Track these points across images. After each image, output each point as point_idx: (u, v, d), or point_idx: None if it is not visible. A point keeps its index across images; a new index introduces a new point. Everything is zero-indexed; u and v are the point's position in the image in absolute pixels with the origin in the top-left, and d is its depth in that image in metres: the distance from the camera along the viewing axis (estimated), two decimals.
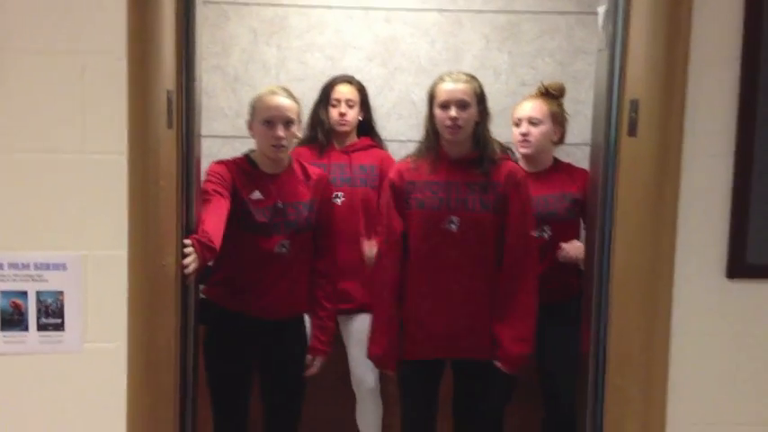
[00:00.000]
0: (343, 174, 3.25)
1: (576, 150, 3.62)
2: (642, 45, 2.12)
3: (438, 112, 2.77)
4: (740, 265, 2.01)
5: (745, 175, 1.99)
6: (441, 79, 2.81)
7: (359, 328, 3.26)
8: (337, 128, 3.37)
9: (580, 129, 3.60)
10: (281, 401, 2.97)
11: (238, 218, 2.76)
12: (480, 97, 2.79)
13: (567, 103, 3.65)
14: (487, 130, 2.83)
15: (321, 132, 3.35)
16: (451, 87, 2.76)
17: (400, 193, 2.83)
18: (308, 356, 2.95)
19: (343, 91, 3.39)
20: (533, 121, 3.16)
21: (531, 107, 3.18)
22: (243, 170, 2.84)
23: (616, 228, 2.22)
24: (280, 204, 2.83)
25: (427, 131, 2.85)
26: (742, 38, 1.98)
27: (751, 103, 1.97)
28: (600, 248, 2.29)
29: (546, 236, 3.11)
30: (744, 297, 2.04)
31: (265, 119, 2.79)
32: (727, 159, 2.00)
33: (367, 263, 3.15)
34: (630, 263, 2.15)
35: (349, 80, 3.45)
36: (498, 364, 2.81)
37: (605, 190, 2.26)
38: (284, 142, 2.79)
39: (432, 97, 2.82)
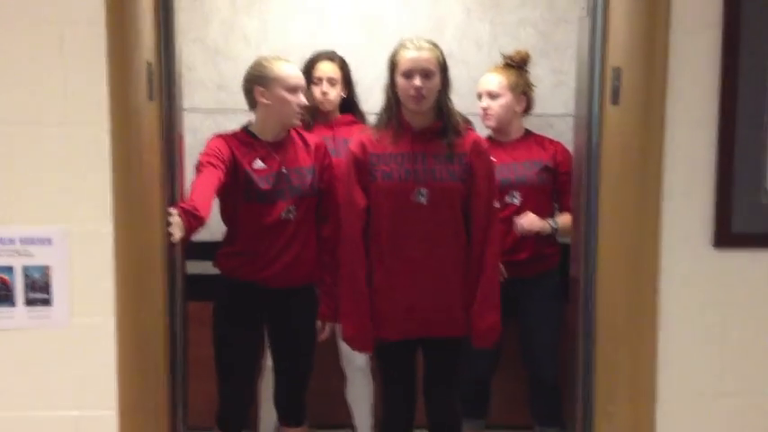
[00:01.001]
0: (328, 146, 3.25)
1: (560, 122, 3.63)
2: (623, 12, 2.13)
3: (401, 80, 2.68)
4: (726, 235, 2.03)
5: (729, 142, 2.00)
6: (402, 46, 2.70)
7: None
8: (320, 107, 3.34)
9: (563, 99, 3.60)
10: (293, 369, 3.02)
11: (243, 189, 2.80)
12: (443, 66, 2.71)
13: (551, 73, 3.65)
14: (449, 100, 2.76)
15: (304, 111, 3.32)
16: (415, 56, 2.66)
17: (363, 166, 2.73)
18: (318, 322, 2.99)
19: (325, 69, 3.35)
20: (492, 94, 3.17)
21: (489, 81, 3.19)
22: (243, 141, 2.86)
23: (601, 197, 2.23)
24: (284, 170, 2.86)
25: (389, 101, 2.75)
26: (722, 3, 1.99)
27: (732, 68, 1.99)
28: (586, 218, 2.30)
29: (516, 201, 3.12)
30: (730, 266, 2.07)
31: (291, 88, 2.85)
32: (710, 125, 2.02)
33: None
34: (616, 232, 2.16)
35: (330, 57, 3.40)
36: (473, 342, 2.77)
37: (590, 159, 2.26)
38: (302, 111, 2.90)
39: (393, 65, 2.71)
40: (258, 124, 2.91)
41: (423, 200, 2.69)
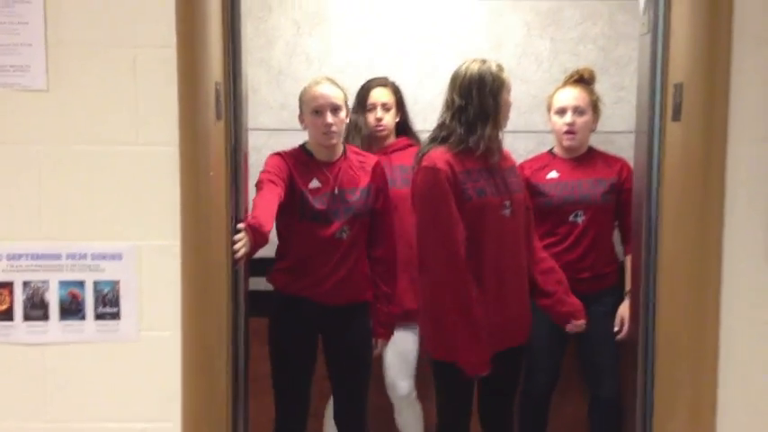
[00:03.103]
0: None
1: (621, 138, 3.59)
2: (684, 28, 2.12)
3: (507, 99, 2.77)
4: None
5: None
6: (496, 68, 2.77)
7: (400, 335, 3.23)
8: (375, 133, 3.37)
9: (624, 116, 3.57)
10: (350, 385, 3.06)
11: (298, 208, 2.86)
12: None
13: (611, 90, 3.63)
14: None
15: (359, 138, 3.35)
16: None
17: (455, 185, 2.64)
18: (373, 340, 3.04)
19: (378, 95, 3.38)
20: (579, 110, 3.15)
21: (576, 96, 3.17)
22: (299, 160, 2.92)
23: (662, 213, 2.22)
24: (336, 191, 2.89)
25: (471, 117, 2.71)
26: None
27: None
28: (647, 234, 2.29)
29: (580, 221, 3.10)
30: None
31: (313, 109, 2.88)
32: None
33: None
34: (677, 248, 2.14)
35: (383, 83, 3.42)
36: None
37: (651, 175, 2.26)
38: (334, 128, 2.88)
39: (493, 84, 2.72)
40: (311, 143, 2.98)
41: (507, 212, 2.72)
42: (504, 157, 2.81)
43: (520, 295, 2.78)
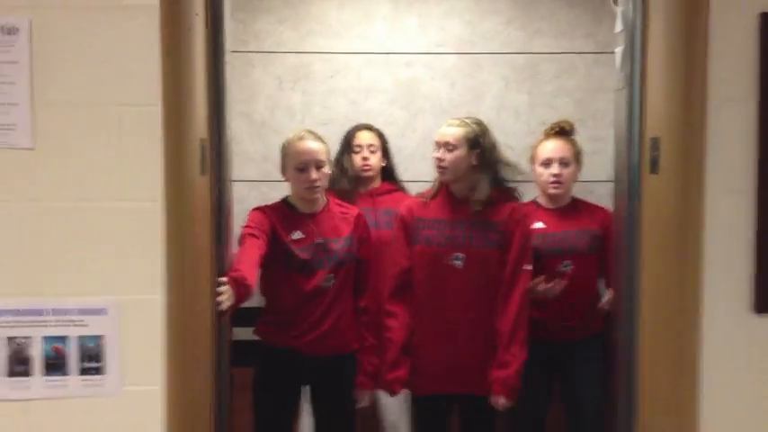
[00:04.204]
0: (369, 218, 3.32)
1: (599, 187, 3.66)
2: (660, 83, 2.17)
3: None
4: (767, 300, 2.02)
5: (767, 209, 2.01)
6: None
7: None
8: (362, 173, 3.43)
9: (601, 166, 3.63)
10: None
11: (282, 259, 2.87)
12: (472, 141, 2.91)
13: (588, 141, 3.70)
14: (485, 172, 2.94)
15: (346, 180, 3.41)
16: (442, 130, 2.97)
17: (409, 229, 2.97)
18: (357, 391, 3.02)
19: (364, 137, 3.47)
20: (565, 161, 3.20)
21: (561, 148, 3.22)
22: (282, 214, 2.94)
23: (642, 265, 2.25)
24: (319, 241, 2.91)
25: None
26: (758, 74, 2.01)
27: None
28: (627, 285, 2.31)
29: (568, 270, 3.14)
30: None
31: (296, 165, 2.89)
32: (749, 194, 2.02)
33: None
34: (657, 299, 2.17)
35: (369, 127, 3.55)
36: (493, 395, 2.87)
37: (630, 227, 2.29)
38: (318, 183, 2.90)
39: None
40: (293, 196, 3.00)
41: (459, 264, 2.87)
42: (486, 213, 2.91)
43: (472, 346, 2.89)
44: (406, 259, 2.95)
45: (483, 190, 2.92)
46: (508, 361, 2.85)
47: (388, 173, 3.57)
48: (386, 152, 3.56)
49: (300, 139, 2.93)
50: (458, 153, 2.89)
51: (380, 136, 3.54)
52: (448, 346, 2.89)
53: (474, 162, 2.92)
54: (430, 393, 2.95)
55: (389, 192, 3.50)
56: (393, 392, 2.98)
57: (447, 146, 2.90)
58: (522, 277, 2.91)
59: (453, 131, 2.92)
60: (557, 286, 3.06)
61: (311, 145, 2.91)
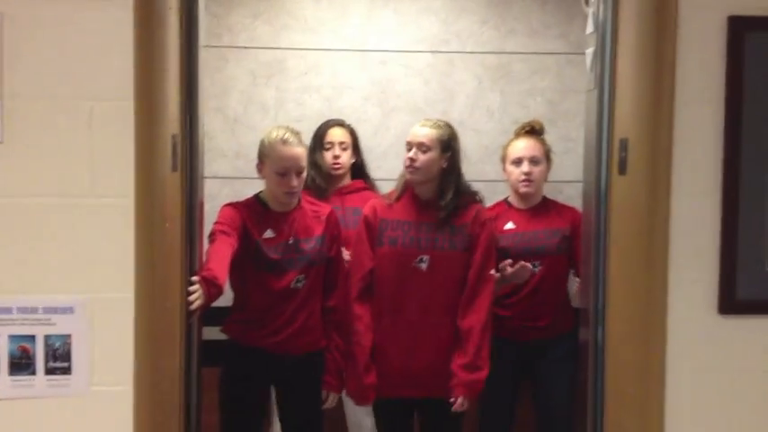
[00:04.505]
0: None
1: (568, 187, 3.68)
2: (629, 85, 2.19)
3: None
4: (731, 302, 2.05)
5: (733, 212, 2.03)
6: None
7: None
8: (332, 171, 3.43)
9: (571, 166, 3.66)
10: None
11: (252, 258, 2.85)
12: (444, 143, 2.92)
13: (559, 141, 3.72)
14: (450, 175, 2.95)
15: (319, 176, 3.41)
16: (415, 131, 2.96)
17: (373, 230, 2.95)
18: (323, 392, 3.01)
19: (336, 134, 3.46)
20: (535, 160, 3.22)
21: (532, 146, 3.23)
22: (254, 211, 2.92)
23: (609, 264, 2.27)
24: (291, 241, 2.89)
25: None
26: (725, 76, 2.04)
27: (735, 140, 2.03)
28: (594, 284, 2.33)
29: (537, 270, 3.15)
30: (735, 333, 2.08)
31: (278, 170, 2.86)
32: (715, 196, 2.05)
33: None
34: (624, 299, 2.19)
35: (340, 123, 3.53)
36: (453, 395, 2.86)
37: (598, 227, 2.31)
38: (296, 189, 2.90)
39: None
40: (266, 194, 2.97)
41: (423, 266, 2.87)
42: (451, 216, 2.92)
43: (436, 348, 2.89)
44: (371, 260, 2.94)
45: (450, 193, 2.93)
46: (480, 366, 2.86)
47: (358, 170, 3.56)
48: (357, 149, 3.55)
49: (285, 143, 2.87)
50: (431, 155, 2.90)
51: (352, 133, 3.54)
52: (407, 349, 2.88)
53: (444, 165, 2.93)
54: (387, 397, 2.95)
55: (358, 190, 3.49)
56: (367, 400, 2.95)
57: (421, 146, 2.89)
58: (489, 280, 2.93)
59: (427, 132, 2.92)
60: (524, 271, 3.05)
61: (295, 151, 2.88)
